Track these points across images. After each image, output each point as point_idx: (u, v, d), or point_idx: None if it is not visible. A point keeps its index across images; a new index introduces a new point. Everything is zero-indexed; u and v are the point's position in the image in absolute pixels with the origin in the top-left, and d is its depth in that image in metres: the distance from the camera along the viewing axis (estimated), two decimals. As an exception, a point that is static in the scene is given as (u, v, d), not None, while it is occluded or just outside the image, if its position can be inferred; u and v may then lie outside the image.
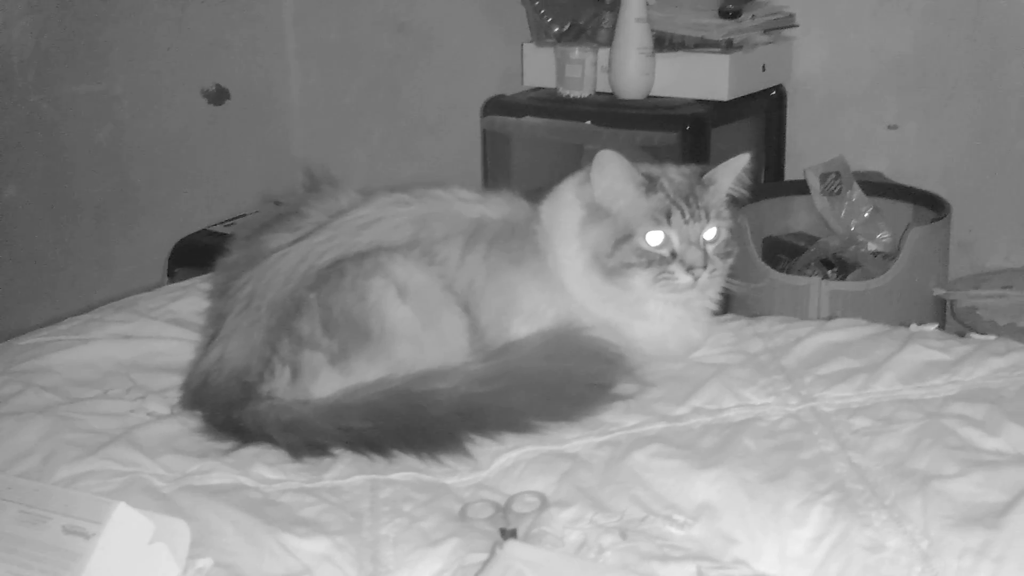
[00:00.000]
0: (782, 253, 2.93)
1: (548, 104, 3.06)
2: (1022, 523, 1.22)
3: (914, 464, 1.37)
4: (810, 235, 3.02)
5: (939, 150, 3.10)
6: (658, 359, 1.69)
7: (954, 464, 1.35)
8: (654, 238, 1.63)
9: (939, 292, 2.76)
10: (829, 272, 2.84)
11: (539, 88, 3.17)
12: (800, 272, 2.82)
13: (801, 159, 3.15)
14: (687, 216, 1.63)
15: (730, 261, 1.71)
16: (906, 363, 1.64)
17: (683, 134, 2.82)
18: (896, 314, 2.49)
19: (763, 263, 2.76)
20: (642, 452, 1.43)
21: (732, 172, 1.69)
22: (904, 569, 1.20)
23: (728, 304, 1.95)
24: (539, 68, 3.16)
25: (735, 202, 1.73)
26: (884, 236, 2.94)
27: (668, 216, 1.63)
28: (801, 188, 3.02)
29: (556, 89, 3.07)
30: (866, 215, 2.95)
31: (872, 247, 2.94)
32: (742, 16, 2.97)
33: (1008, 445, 1.41)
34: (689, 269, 1.63)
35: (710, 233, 1.66)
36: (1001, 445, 1.41)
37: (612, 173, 1.64)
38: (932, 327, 1.81)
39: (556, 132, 3.01)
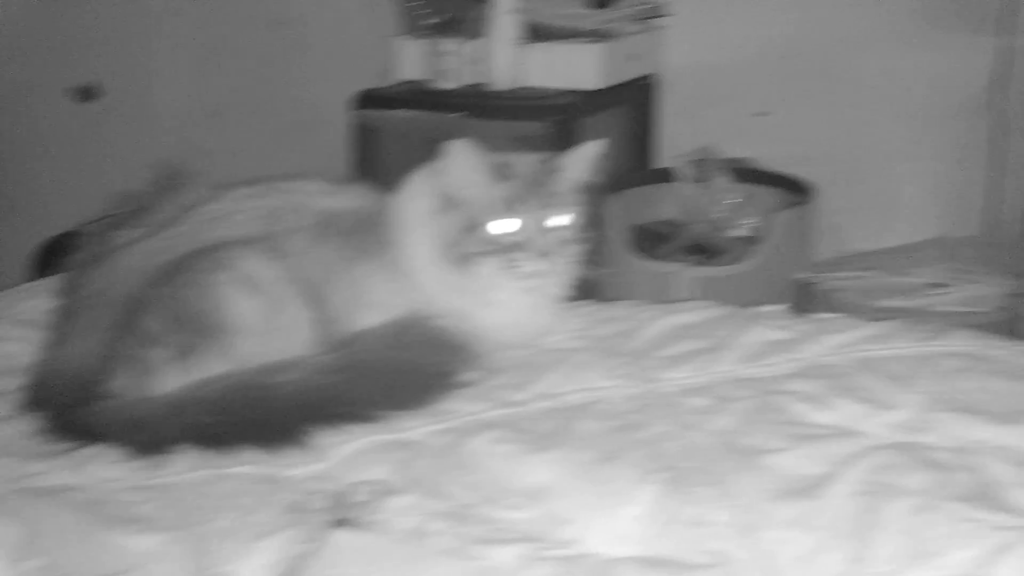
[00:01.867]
0: (650, 241, 2.96)
1: (420, 96, 3.06)
2: (838, 493, 1.26)
3: (745, 440, 1.39)
4: (678, 223, 3.05)
5: (808, 137, 3.16)
6: (506, 346, 1.69)
7: (781, 439, 1.38)
8: (501, 226, 1.63)
9: (802, 275, 2.82)
10: (701, 258, 2.87)
11: (411, 81, 3.17)
12: (670, 259, 2.85)
13: (673, 147, 3.19)
14: (534, 204, 1.64)
15: (581, 248, 1.72)
16: (749, 343, 1.67)
17: (553, 124, 2.84)
18: (762, 298, 2.51)
19: (625, 250, 2.78)
20: (481, 438, 1.43)
21: (583, 160, 1.70)
22: (730, 542, 1.22)
23: (592, 292, 1.96)
24: (412, 61, 3.15)
25: (593, 189, 1.75)
26: (752, 221, 2.99)
27: (515, 204, 1.64)
28: (670, 176, 3.06)
29: (428, 81, 3.07)
30: (733, 201, 2.99)
31: (740, 232, 2.98)
32: (612, 5, 3.00)
33: (839, 418, 1.45)
34: (538, 256, 1.64)
35: (557, 220, 1.67)
36: (831, 419, 1.45)
37: (462, 163, 1.64)
38: (781, 308, 1.84)
39: (428, 125, 3.00)
